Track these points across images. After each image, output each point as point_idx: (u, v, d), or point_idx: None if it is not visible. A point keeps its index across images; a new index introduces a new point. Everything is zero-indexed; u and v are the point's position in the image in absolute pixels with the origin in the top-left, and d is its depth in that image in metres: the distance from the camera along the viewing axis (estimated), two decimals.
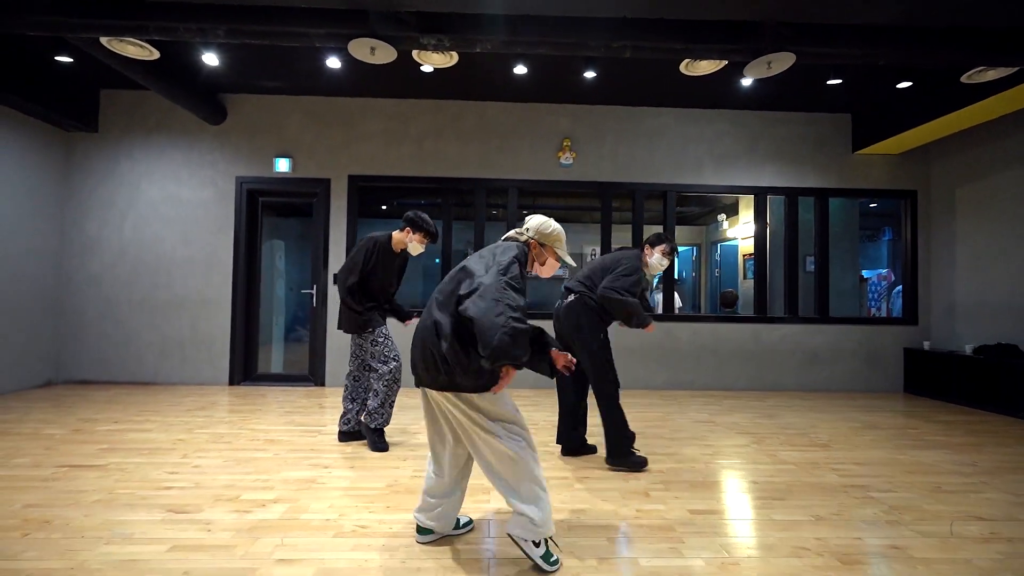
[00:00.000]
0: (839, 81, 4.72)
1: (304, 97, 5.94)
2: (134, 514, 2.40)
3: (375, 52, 3.54)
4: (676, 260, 3.42)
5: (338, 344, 5.80)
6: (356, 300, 3.43)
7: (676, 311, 6.32)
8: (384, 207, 8.54)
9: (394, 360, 3.47)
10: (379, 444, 3.48)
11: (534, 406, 4.91)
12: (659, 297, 6.44)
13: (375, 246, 3.49)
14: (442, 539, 2.22)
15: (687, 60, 3.98)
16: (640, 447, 3.67)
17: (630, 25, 3.56)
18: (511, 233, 2.21)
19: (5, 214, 5.10)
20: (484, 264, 1.96)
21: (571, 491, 2.79)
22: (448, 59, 4.00)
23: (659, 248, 3.30)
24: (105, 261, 5.81)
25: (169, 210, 5.85)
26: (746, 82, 4.78)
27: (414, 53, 3.95)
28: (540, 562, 1.96)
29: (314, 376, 5.90)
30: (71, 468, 3.00)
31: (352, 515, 2.44)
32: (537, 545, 1.97)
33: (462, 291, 1.89)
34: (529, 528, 1.95)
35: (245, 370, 5.94)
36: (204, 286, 5.84)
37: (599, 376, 3.16)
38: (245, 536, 2.21)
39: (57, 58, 4.44)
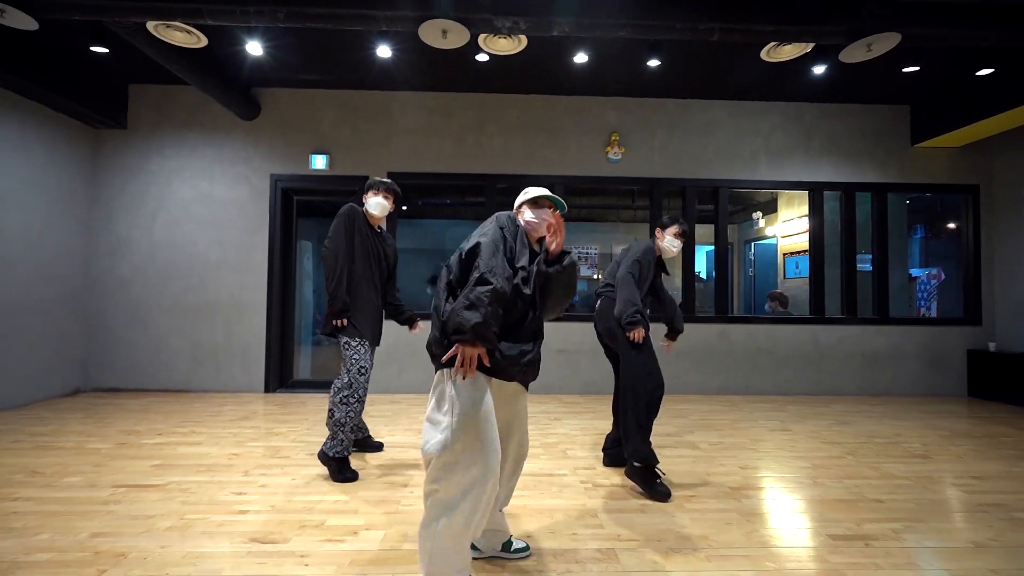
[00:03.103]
0: (916, 68, 4.45)
1: (340, 91, 5.69)
2: (215, 544, 2.14)
3: (447, 35, 3.29)
4: (687, 242, 3.12)
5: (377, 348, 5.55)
6: (344, 280, 2.91)
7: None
8: (420, 203, 8.26)
9: (355, 374, 2.91)
10: (343, 474, 2.90)
11: (571, 413, 4.64)
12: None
13: (353, 212, 2.99)
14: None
15: (771, 44, 3.72)
16: (723, 457, 3.43)
17: (720, 5, 3.30)
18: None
19: (34, 213, 4.85)
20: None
21: (682, 511, 2.53)
22: (515, 45, 3.74)
23: (670, 230, 3.10)
24: (135, 263, 5.55)
25: (201, 209, 5.60)
26: (818, 69, 4.51)
27: (480, 39, 3.69)
28: None
29: None
30: (129, 489, 2.74)
31: None
32: None
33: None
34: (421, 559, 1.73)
35: (281, 377, 5.68)
36: (238, 289, 5.59)
37: (627, 379, 2.87)
38: (351, 572, 1.95)
39: (93, 48, 4.18)
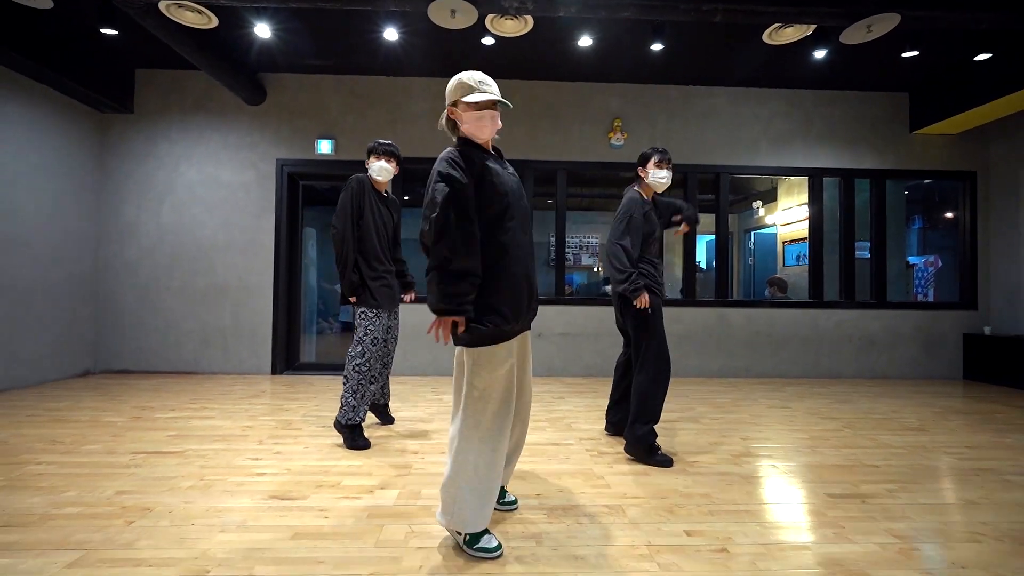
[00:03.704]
0: (915, 53, 4.52)
1: (346, 76, 5.74)
2: (236, 500, 2.22)
3: (455, 15, 3.35)
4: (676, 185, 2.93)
5: None
6: (351, 262, 2.98)
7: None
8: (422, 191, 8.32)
9: (368, 344, 2.98)
10: (356, 442, 2.98)
11: (574, 392, 4.73)
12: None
13: (360, 185, 3.03)
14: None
15: (773, 27, 3.79)
16: (725, 430, 3.52)
17: None
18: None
19: (44, 196, 4.91)
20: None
21: (685, 475, 2.62)
22: (522, 26, 3.80)
23: (651, 162, 2.90)
24: (143, 246, 5.61)
25: (208, 193, 5.66)
26: (819, 54, 4.57)
27: (487, 20, 3.75)
28: (463, 547, 1.82)
29: None
30: (148, 455, 2.82)
31: None
32: (459, 534, 1.83)
33: None
34: (442, 513, 1.83)
35: (287, 359, 5.76)
36: (245, 272, 5.65)
37: (646, 367, 2.84)
38: (368, 523, 2.03)
39: (102, 30, 4.23)
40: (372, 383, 3.05)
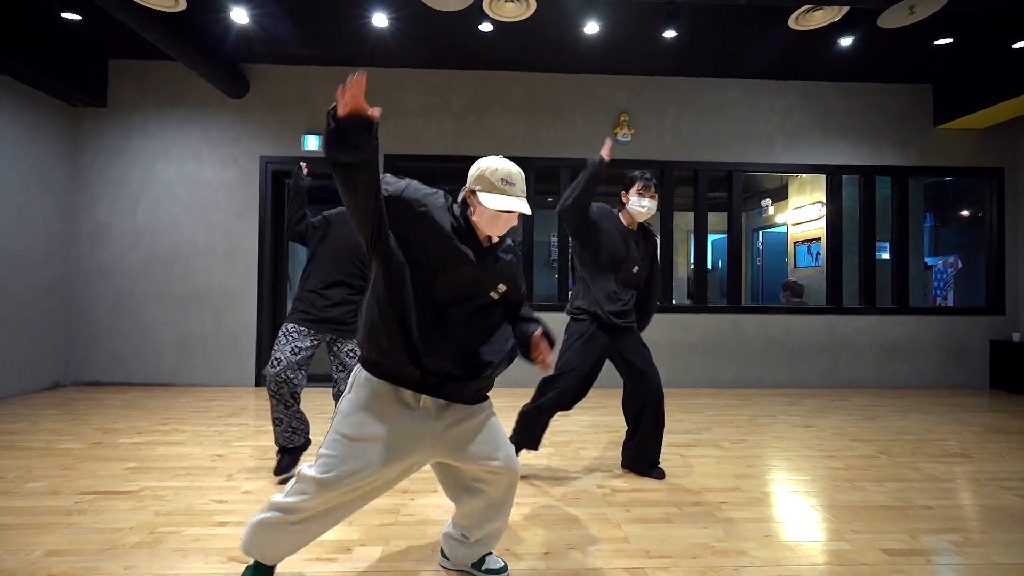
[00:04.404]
0: (949, 40, 4.16)
1: (333, 68, 5.36)
2: (187, 565, 1.87)
3: None
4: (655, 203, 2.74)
5: None
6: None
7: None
8: None
9: (272, 364, 2.60)
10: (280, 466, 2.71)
11: (579, 409, 4.37)
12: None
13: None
14: None
15: (802, 10, 3.42)
16: (748, 457, 3.18)
17: None
18: None
19: (9, 196, 4.54)
20: None
21: (715, 523, 2.27)
22: (523, 10, 3.43)
23: (634, 188, 2.71)
24: (116, 249, 5.24)
25: (187, 192, 5.28)
26: (845, 41, 4.20)
27: (485, 2, 3.38)
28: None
29: None
30: (97, 496, 2.46)
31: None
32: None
33: None
34: None
35: None
36: (227, 277, 5.29)
37: (655, 384, 2.76)
38: None
39: (64, 15, 3.85)
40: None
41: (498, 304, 1.59)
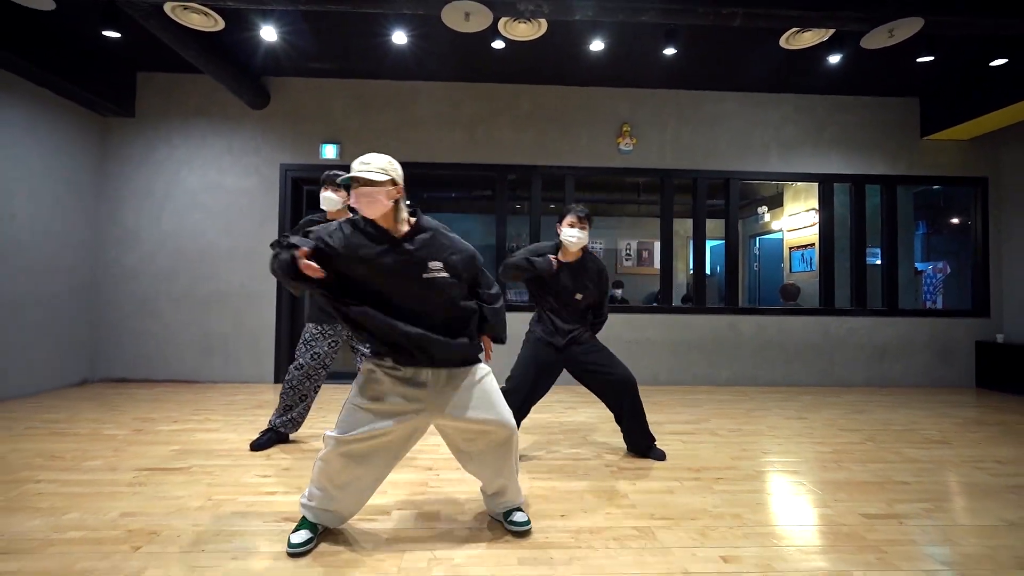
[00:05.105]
0: (931, 58, 4.46)
1: (351, 80, 5.66)
2: (247, 523, 2.12)
3: (470, 18, 3.27)
4: (588, 230, 2.91)
5: None
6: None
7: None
8: (426, 196, 8.25)
9: (296, 368, 3.13)
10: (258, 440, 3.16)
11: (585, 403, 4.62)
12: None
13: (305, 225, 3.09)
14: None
15: (791, 31, 3.72)
16: (744, 443, 3.42)
17: None
18: None
19: (43, 202, 4.80)
20: None
21: (712, 494, 2.52)
22: (535, 30, 3.72)
23: (565, 221, 2.87)
24: (143, 253, 5.50)
25: (210, 199, 5.56)
26: (833, 59, 4.50)
27: (500, 23, 3.67)
28: None
29: None
30: (152, 471, 2.71)
31: (489, 520, 2.16)
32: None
33: None
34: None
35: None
36: (247, 279, 5.55)
37: (626, 377, 2.98)
38: (388, 549, 1.93)
39: (105, 33, 4.13)
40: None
41: (447, 283, 1.87)
